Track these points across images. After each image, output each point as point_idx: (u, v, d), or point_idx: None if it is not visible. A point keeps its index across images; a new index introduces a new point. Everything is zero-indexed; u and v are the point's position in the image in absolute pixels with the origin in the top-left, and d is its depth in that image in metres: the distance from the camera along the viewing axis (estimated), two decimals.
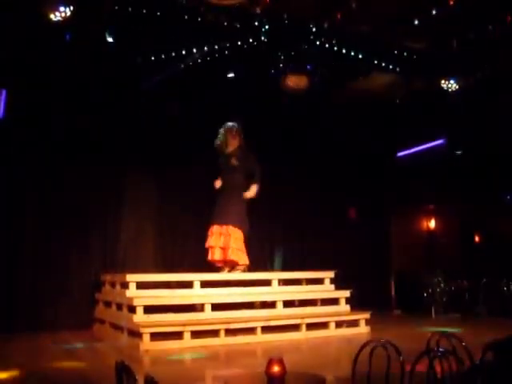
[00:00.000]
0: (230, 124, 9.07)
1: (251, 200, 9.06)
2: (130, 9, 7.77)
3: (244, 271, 8.93)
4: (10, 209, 8.70)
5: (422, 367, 3.47)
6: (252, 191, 8.97)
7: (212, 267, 8.99)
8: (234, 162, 8.96)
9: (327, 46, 8.49)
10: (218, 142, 9.10)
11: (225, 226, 8.82)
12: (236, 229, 8.83)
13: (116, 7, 7.67)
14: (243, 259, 8.88)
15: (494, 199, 11.62)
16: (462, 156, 11.69)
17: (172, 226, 10.06)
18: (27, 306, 8.60)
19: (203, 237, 9.00)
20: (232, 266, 8.91)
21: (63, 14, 7.41)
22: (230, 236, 8.78)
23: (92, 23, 7.97)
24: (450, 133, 11.51)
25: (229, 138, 9.04)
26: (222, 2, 7.41)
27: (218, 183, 9.01)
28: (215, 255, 8.83)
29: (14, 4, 7.33)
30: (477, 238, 12.36)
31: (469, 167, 11.48)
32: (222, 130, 9.10)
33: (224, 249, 8.79)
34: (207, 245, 8.86)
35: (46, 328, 8.42)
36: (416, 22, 7.75)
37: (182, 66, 9.04)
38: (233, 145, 9.05)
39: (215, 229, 8.85)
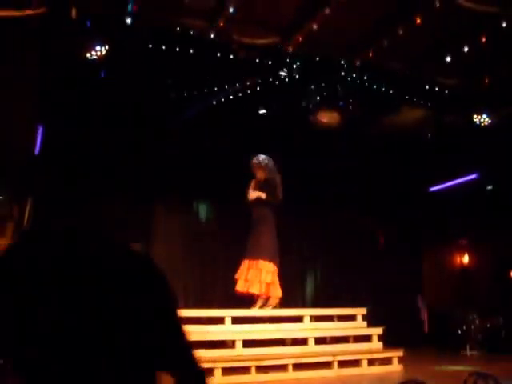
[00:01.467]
0: (256, 156, 9.10)
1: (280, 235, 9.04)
2: (163, 46, 7.95)
3: (276, 307, 8.85)
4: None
5: None
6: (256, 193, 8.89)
7: (243, 303, 8.94)
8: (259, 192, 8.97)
9: (358, 82, 8.55)
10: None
11: (255, 261, 8.78)
12: (266, 262, 8.79)
13: (150, 45, 7.86)
14: (276, 293, 8.80)
15: None
16: (496, 190, 11.55)
17: (202, 261, 10.07)
18: None
19: (234, 271, 8.99)
20: (264, 300, 8.83)
21: (99, 53, 7.62)
22: (261, 270, 8.72)
23: (126, 60, 8.17)
24: (483, 167, 11.41)
25: (254, 170, 9.09)
26: (254, 41, 7.53)
27: (253, 195, 8.88)
28: (238, 286, 8.73)
29: (51, 43, 7.55)
30: None
31: (503, 201, 11.32)
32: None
33: (248, 281, 8.72)
34: (236, 276, 8.82)
35: None
36: (448, 59, 7.77)
37: (215, 101, 9.20)
38: (259, 177, 9.04)
39: (246, 263, 8.81)
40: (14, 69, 7.50)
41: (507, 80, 8.64)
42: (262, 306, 8.78)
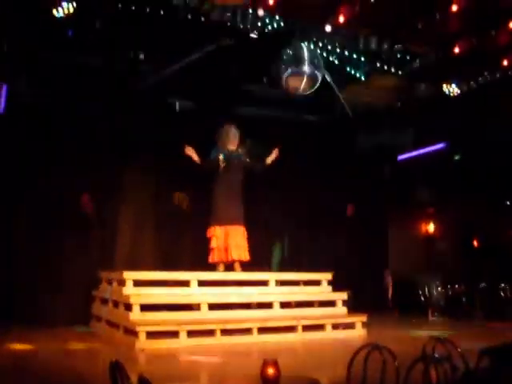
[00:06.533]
0: (229, 125, 9.08)
1: (250, 200, 9.09)
2: (132, 7, 7.78)
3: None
4: (7, 206, 8.67)
5: (417, 372, 3.47)
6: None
7: (209, 266, 8.97)
8: (244, 160, 9.03)
9: (329, 48, 8.50)
10: (223, 138, 9.07)
11: (238, 226, 8.89)
12: (242, 227, 8.93)
13: (119, 5, 7.68)
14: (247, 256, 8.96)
15: (493, 203, 11.62)
16: (462, 160, 11.70)
17: (170, 224, 10.05)
18: (25, 303, 8.59)
19: (201, 235, 9.00)
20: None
21: (66, 11, 7.43)
22: (242, 235, 8.89)
23: (94, 20, 7.99)
24: (450, 137, 11.52)
25: (232, 137, 9.05)
26: (225, 2, 7.42)
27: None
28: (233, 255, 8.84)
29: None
30: (475, 242, 12.35)
31: (469, 171, 11.47)
32: (225, 128, 9.08)
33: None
34: (218, 245, 8.84)
35: (43, 325, 8.39)
36: (419, 26, 7.76)
37: (185, 64, 9.08)
38: (235, 144, 9.08)
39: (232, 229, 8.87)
40: None
41: (477, 50, 8.66)
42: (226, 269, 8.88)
